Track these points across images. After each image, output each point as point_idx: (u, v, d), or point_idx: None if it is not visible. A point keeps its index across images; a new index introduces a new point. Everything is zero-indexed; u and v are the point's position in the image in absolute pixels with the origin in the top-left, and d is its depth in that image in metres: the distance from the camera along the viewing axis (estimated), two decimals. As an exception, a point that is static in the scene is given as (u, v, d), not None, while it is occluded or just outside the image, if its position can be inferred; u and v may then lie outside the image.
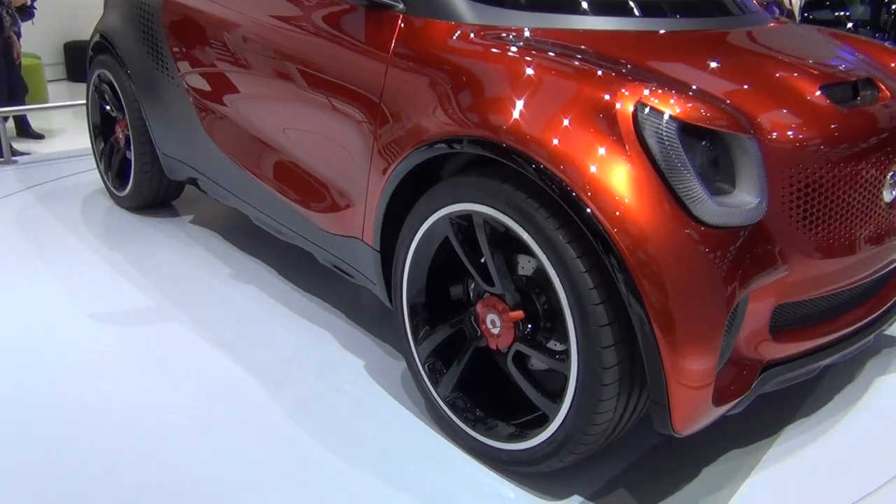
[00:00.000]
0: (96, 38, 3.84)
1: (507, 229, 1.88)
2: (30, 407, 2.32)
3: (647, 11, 2.33)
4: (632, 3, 2.31)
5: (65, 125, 6.33)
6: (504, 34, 2.06)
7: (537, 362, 2.01)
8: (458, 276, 2.20)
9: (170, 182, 3.76)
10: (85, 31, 4.79)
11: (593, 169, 1.70)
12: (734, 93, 1.93)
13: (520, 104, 1.83)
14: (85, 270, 3.27)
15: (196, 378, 2.47)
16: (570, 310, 1.75)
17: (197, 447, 2.14)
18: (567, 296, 1.75)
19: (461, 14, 2.13)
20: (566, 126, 1.75)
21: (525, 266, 2.01)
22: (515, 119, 1.82)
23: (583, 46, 2.03)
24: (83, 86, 4.26)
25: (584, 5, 2.25)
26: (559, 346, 1.97)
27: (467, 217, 1.99)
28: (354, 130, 2.31)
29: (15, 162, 4.96)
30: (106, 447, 2.14)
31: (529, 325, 1.97)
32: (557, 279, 1.76)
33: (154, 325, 2.81)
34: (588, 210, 1.67)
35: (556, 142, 1.74)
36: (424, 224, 2.08)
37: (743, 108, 1.86)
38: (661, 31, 2.27)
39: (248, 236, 3.56)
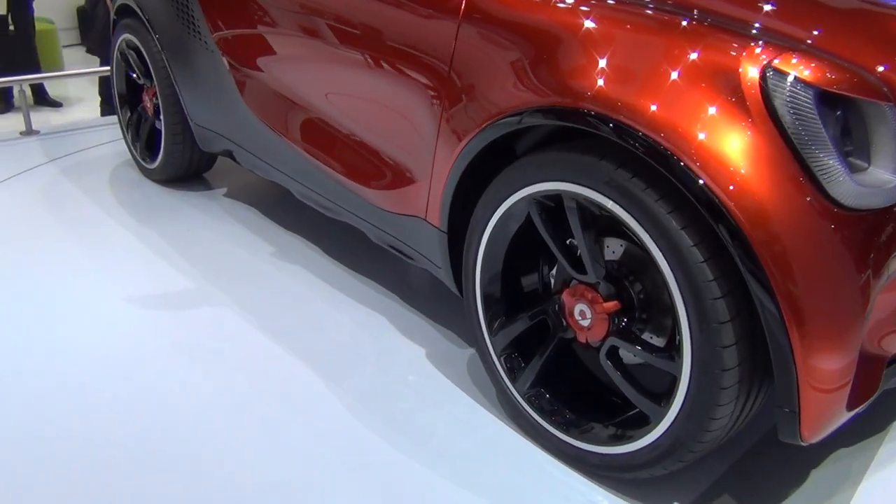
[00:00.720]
0: (121, 0, 3.61)
1: (603, 211, 1.67)
2: (63, 407, 2.15)
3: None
4: None
5: (82, 93, 6.11)
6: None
7: (630, 356, 1.82)
8: (535, 261, 2.01)
9: (202, 153, 3.56)
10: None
11: (715, 144, 1.48)
12: (858, 52, 1.69)
13: (626, 70, 1.61)
14: (119, 250, 3.09)
15: (247, 368, 2.30)
16: (685, 304, 1.54)
17: (251, 447, 1.98)
18: (681, 288, 1.54)
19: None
20: (682, 95, 1.53)
21: (616, 250, 1.81)
22: (620, 87, 1.60)
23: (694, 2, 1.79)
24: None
25: None
26: (656, 340, 1.78)
27: (554, 197, 1.78)
28: (418, 100, 2.09)
29: (37, 133, 4.77)
30: (150, 450, 1.97)
31: (625, 317, 1.78)
32: (669, 270, 1.55)
33: (197, 311, 2.63)
34: (710, 191, 1.46)
35: (671, 114, 1.52)
36: (503, 205, 1.88)
37: (872, 71, 1.63)
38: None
39: (288, 211, 3.37)
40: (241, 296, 2.70)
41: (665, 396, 1.67)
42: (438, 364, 2.31)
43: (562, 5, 1.80)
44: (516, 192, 1.83)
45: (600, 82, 1.62)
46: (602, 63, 1.64)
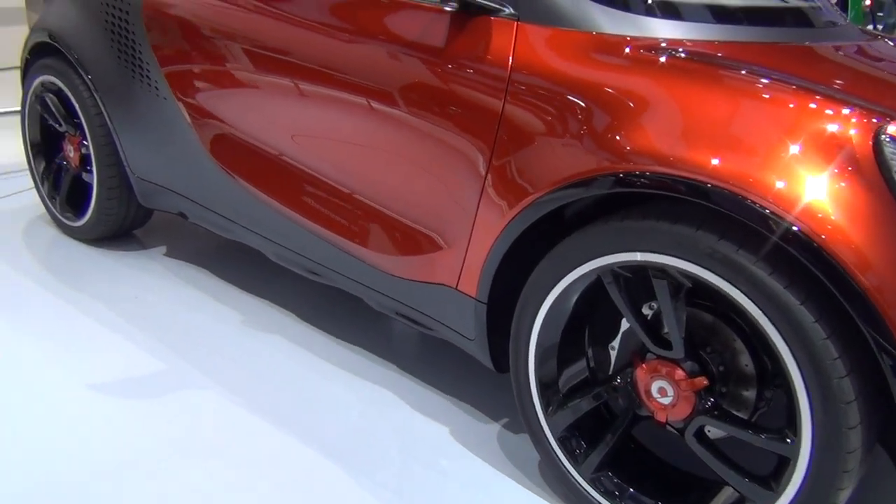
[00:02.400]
0: (39, 37, 3.20)
1: (699, 284, 1.56)
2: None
3: (798, 22, 2.07)
4: (788, 13, 2.04)
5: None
6: (660, 47, 1.73)
7: (716, 431, 1.71)
8: (590, 333, 1.87)
9: (139, 208, 3.20)
10: None
11: (834, 212, 1.40)
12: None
13: (724, 134, 1.51)
14: (61, 325, 2.68)
15: (255, 470, 2.00)
16: (806, 384, 1.45)
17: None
18: (801, 368, 1.45)
19: (598, 22, 1.77)
20: (788, 160, 1.45)
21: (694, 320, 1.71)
22: (720, 151, 1.49)
23: (757, 61, 1.73)
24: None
25: (739, 15, 1.95)
26: (741, 415, 1.68)
27: (635, 268, 1.66)
28: (454, 162, 1.92)
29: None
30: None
31: (711, 395, 1.67)
32: (787, 349, 1.45)
33: (176, 396, 2.29)
34: (835, 263, 1.38)
35: (779, 180, 1.44)
36: (568, 275, 1.73)
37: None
38: (827, 45, 2.03)
39: (244, 272, 3.06)
40: (223, 376, 2.39)
41: (773, 478, 1.57)
42: (469, 444, 2.12)
43: (648, 63, 1.68)
44: (588, 262, 1.69)
45: (703, 148, 1.51)
46: (703, 128, 1.53)
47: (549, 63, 1.76)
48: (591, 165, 1.65)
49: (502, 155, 1.81)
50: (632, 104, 1.62)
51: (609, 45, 1.74)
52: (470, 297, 1.97)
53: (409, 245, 2.12)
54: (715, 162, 1.49)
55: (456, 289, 2.01)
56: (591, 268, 1.69)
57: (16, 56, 7.46)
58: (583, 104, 1.69)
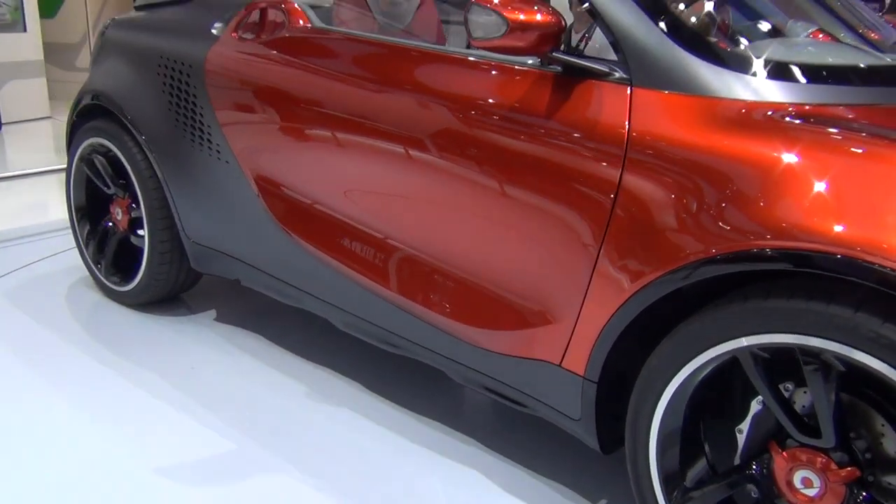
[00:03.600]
0: (87, 99, 3.12)
1: (854, 368, 1.44)
2: None
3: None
4: None
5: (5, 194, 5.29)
6: (789, 111, 1.63)
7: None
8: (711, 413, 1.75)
9: (189, 273, 3.09)
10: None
11: None
12: None
13: (881, 206, 1.41)
14: (109, 398, 2.54)
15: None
16: None
17: None
18: None
19: (721, 86, 1.68)
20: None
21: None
22: (881, 226, 1.39)
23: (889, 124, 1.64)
24: None
25: (865, 76, 1.87)
26: (891, 505, 1.55)
27: (776, 349, 1.54)
28: (562, 232, 1.81)
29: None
30: None
31: (861, 484, 1.54)
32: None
33: (239, 480, 2.14)
34: None
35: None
36: (699, 357, 1.61)
37: None
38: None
39: (303, 337, 2.94)
40: (302, 461, 2.22)
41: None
42: (570, 532, 1.98)
43: (786, 130, 1.58)
44: (724, 343, 1.57)
45: (861, 223, 1.41)
46: (858, 200, 1.43)
47: (672, 130, 1.67)
48: (733, 241, 1.53)
49: (620, 227, 1.71)
50: (774, 174, 1.52)
51: (738, 111, 1.64)
52: (577, 374, 1.85)
53: (506, 318, 2.00)
54: (878, 238, 1.38)
55: (560, 366, 1.89)
56: (726, 349, 1.57)
57: (35, 108, 7.39)
58: (717, 174, 1.58)
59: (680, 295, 1.68)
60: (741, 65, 1.74)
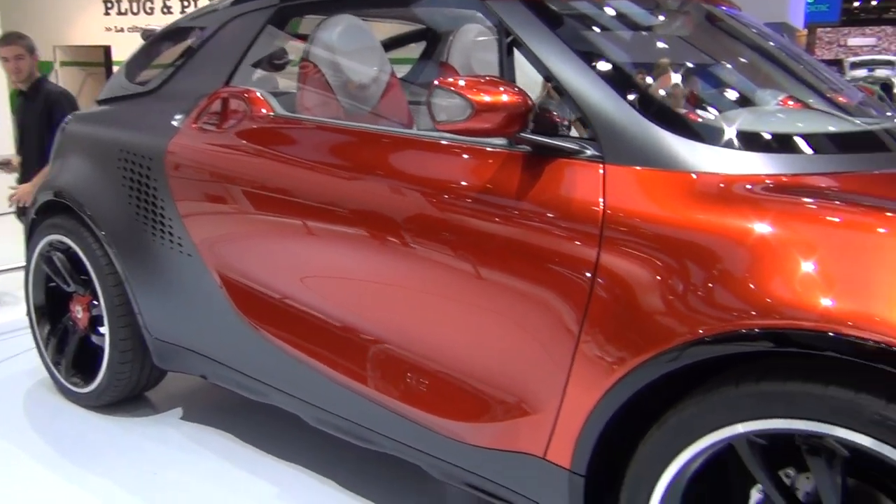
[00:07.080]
0: (47, 196, 3.03)
1: (862, 455, 1.35)
2: None
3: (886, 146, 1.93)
4: (879, 137, 1.92)
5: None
6: (767, 184, 1.58)
7: None
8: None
9: (152, 371, 2.95)
10: None
11: None
12: None
13: (879, 280, 1.34)
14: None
15: None
16: None
17: None
18: None
19: (697, 161, 1.63)
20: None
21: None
22: (881, 302, 1.32)
23: (874, 193, 1.59)
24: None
25: (839, 144, 1.83)
26: None
27: (773, 436, 1.44)
28: (538, 318, 1.72)
29: None
30: None
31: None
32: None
33: None
34: None
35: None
36: (692, 446, 1.51)
37: None
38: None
39: (272, 434, 2.79)
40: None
41: None
42: None
43: (772, 204, 1.51)
44: (717, 430, 1.47)
45: (859, 300, 1.33)
46: (852, 274, 1.36)
47: (649, 207, 1.60)
48: (729, 321, 1.43)
49: (601, 309, 1.62)
50: (757, 250, 1.45)
51: (716, 186, 1.58)
52: (562, 467, 1.73)
53: (485, 408, 1.89)
54: (880, 316, 1.30)
55: (544, 458, 1.77)
56: (721, 437, 1.47)
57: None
58: (699, 251, 1.51)
59: (673, 380, 1.58)
60: (715, 137, 1.70)
